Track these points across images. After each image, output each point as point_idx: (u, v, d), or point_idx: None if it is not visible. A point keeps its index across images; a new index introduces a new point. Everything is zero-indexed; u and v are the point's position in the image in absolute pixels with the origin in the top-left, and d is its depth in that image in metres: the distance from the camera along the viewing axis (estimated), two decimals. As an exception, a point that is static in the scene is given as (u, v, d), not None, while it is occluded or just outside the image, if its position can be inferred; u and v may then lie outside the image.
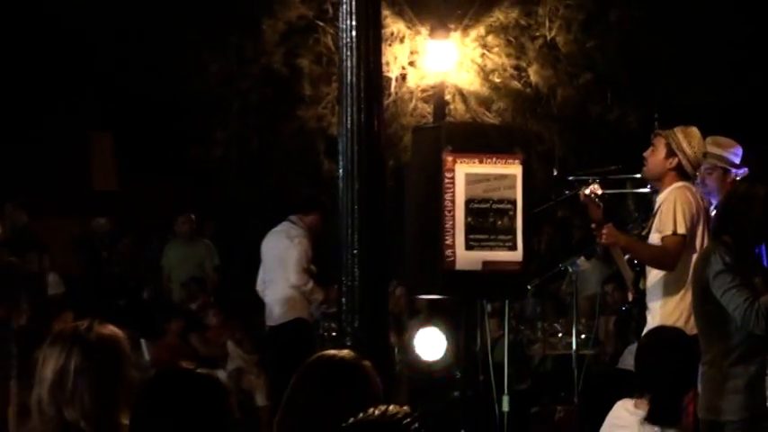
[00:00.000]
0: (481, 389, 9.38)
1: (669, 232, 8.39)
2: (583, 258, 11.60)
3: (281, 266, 12.68)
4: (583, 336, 11.36)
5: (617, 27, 16.40)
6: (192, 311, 15.51)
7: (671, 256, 8.41)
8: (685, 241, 8.36)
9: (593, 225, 8.94)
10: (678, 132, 8.71)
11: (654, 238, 8.65)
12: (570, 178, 10.61)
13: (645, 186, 9.50)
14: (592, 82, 16.47)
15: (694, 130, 8.77)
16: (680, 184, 8.59)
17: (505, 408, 9.49)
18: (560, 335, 11.97)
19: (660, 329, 7.25)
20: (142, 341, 14.08)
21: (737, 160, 9.10)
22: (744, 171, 8.99)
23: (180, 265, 15.82)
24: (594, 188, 8.94)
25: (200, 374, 4.45)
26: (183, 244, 16.00)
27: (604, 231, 8.71)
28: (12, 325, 11.46)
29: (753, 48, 17.41)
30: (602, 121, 16.20)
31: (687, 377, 6.49)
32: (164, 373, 4.57)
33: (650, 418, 6.10)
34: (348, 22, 7.73)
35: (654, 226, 8.72)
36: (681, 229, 8.35)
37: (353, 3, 7.70)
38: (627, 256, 9.47)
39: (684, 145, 8.63)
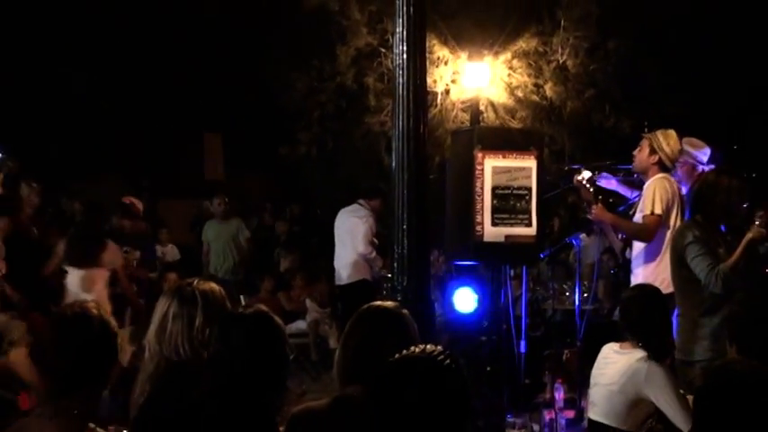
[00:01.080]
0: (504, 335, 9.38)
1: (648, 212, 8.50)
2: (584, 234, 11.61)
3: (351, 238, 12.72)
4: (585, 294, 11.33)
5: (614, 53, 16.33)
6: (281, 274, 15.57)
7: (649, 231, 8.51)
8: (661, 220, 8.44)
9: (586, 203, 9.01)
10: (659, 135, 8.79)
11: (637, 217, 8.74)
12: (573, 166, 10.56)
13: (633, 176, 9.48)
14: (594, 96, 16.40)
15: (672, 133, 8.83)
16: (660, 175, 8.68)
17: (523, 350, 9.49)
18: (567, 294, 11.94)
19: (641, 286, 7.29)
20: (241, 297, 14.12)
21: (705, 159, 9.15)
22: (711, 167, 8.98)
23: (217, 239, 15.58)
24: (584, 175, 8.99)
25: (254, 313, 4.53)
26: (218, 222, 15.68)
27: (594, 210, 8.79)
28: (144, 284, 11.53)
29: (725, 67, 17.33)
30: (602, 127, 16.13)
31: (665, 324, 6.50)
32: (226, 316, 4.61)
33: (652, 355, 6.12)
34: (400, 48, 7.72)
35: (638, 207, 8.78)
36: (657, 210, 8.44)
37: (405, 33, 7.69)
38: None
39: (663, 145, 8.70)
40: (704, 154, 9.19)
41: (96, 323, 4.01)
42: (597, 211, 8.88)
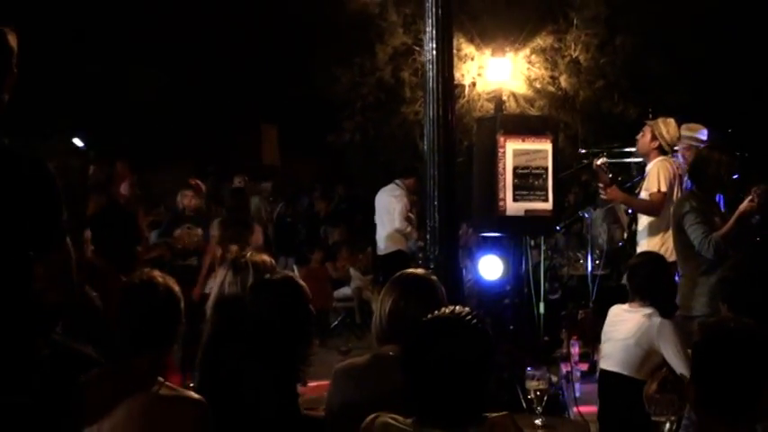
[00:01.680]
0: (525, 298, 9.35)
1: (655, 190, 8.52)
2: (592, 208, 11.57)
3: (388, 214, 12.71)
4: (597, 262, 11.29)
5: (621, 48, 16.29)
6: (330, 246, 15.55)
7: (656, 207, 8.53)
8: (665, 197, 8.42)
9: (601, 185, 8.99)
10: (660, 123, 8.83)
11: (643, 195, 8.74)
12: (583, 151, 10.55)
13: (639, 158, 9.45)
14: (604, 87, 16.37)
15: (671, 121, 8.88)
16: (661, 158, 8.73)
17: (542, 311, 9.46)
18: (581, 261, 11.84)
19: (647, 252, 7.30)
20: (294, 266, 14.12)
21: (704, 138, 9.15)
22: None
23: None
24: (603, 161, 9.00)
25: (282, 279, 4.62)
26: None
27: (609, 191, 8.80)
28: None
29: (721, 59, 17.21)
30: (611, 113, 16.05)
31: (670, 285, 6.52)
32: (258, 283, 4.64)
33: (663, 313, 6.14)
34: (430, 45, 7.70)
35: (644, 186, 8.79)
36: (663, 188, 8.47)
37: (434, 33, 7.66)
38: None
39: (663, 132, 8.74)
40: (702, 134, 9.18)
41: (161, 290, 4.02)
42: (611, 192, 8.93)
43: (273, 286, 4.55)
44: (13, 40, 3.61)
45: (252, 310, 4.41)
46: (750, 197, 7.43)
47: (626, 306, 6.36)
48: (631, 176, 10.03)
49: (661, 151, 8.73)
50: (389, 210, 12.74)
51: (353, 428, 3.43)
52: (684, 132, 9.04)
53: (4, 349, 3.39)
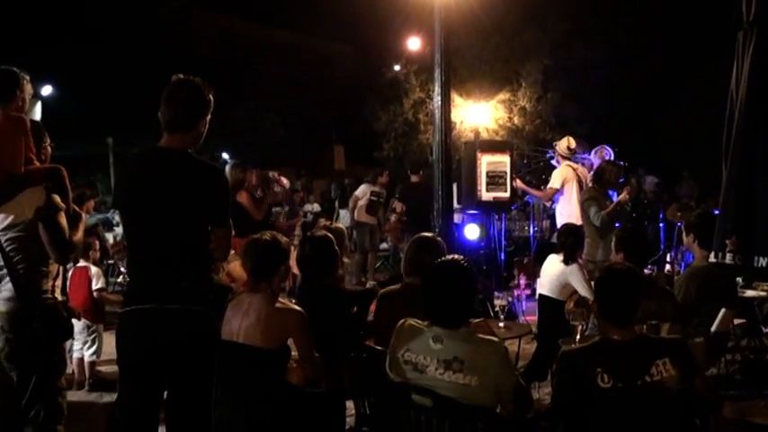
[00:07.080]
0: (493, 250, 9.30)
1: (550, 186, 8.55)
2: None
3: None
4: (535, 228, 11.18)
5: (551, 100, 16.16)
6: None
7: (546, 195, 8.67)
8: (555, 190, 8.44)
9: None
10: (558, 142, 8.84)
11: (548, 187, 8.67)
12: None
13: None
14: (540, 124, 16.23)
15: (565, 138, 8.87)
16: (565, 163, 8.63)
17: (503, 258, 9.42)
18: (526, 227, 11.71)
19: (568, 224, 7.08)
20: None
21: (609, 154, 8.97)
22: (609, 157, 8.91)
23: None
24: (518, 182, 9.17)
25: (317, 235, 4.67)
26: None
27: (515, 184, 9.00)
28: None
29: (611, 106, 16.97)
30: (544, 139, 15.89)
31: (581, 241, 6.43)
32: (305, 237, 4.72)
33: (564, 260, 6.04)
34: (437, 98, 7.67)
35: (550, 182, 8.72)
36: (556, 185, 8.47)
37: (439, 90, 7.62)
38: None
39: (558, 146, 8.63)
40: (607, 154, 9.07)
41: (270, 238, 3.94)
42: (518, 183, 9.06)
43: (313, 240, 4.61)
44: (210, 95, 3.51)
45: (301, 254, 4.50)
46: (625, 191, 7.46)
47: (556, 255, 6.30)
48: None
49: (563, 158, 8.65)
50: None
51: (391, 329, 3.41)
52: (599, 152, 8.97)
53: (197, 280, 3.40)
